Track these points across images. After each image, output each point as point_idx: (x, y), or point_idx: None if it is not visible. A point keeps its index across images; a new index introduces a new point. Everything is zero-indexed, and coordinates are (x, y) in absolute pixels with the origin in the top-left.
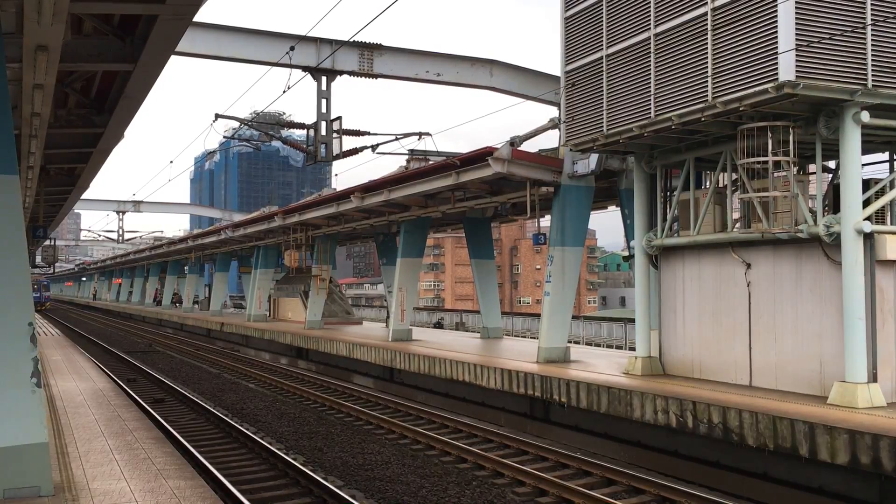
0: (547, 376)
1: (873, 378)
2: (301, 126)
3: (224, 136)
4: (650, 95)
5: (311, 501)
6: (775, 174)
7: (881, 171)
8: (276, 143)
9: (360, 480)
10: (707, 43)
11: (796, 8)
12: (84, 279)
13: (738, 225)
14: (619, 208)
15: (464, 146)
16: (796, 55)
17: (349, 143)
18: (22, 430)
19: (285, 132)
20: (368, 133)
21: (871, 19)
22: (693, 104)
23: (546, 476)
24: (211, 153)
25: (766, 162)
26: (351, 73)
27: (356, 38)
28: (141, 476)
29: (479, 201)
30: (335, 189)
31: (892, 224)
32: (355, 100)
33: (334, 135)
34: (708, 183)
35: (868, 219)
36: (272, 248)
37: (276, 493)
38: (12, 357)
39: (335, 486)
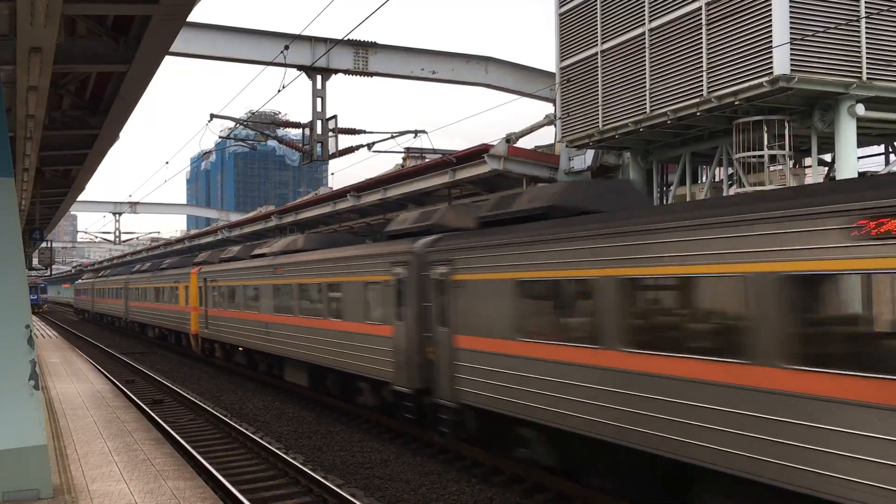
0: None
1: None
2: (296, 125)
3: (220, 136)
4: (645, 91)
5: (312, 500)
6: (771, 168)
7: (877, 164)
8: (271, 143)
9: (360, 479)
10: (702, 38)
11: (790, 1)
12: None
13: None
14: None
15: (460, 143)
16: (791, 49)
17: (345, 141)
18: (20, 433)
19: (281, 131)
20: (364, 131)
21: (866, 12)
22: (688, 99)
23: None
24: (207, 153)
25: (762, 156)
26: (346, 72)
27: (351, 37)
28: (140, 477)
29: (476, 198)
30: (332, 188)
31: None
32: (350, 98)
33: (330, 133)
34: (704, 177)
35: None
36: None
37: (277, 493)
38: (10, 360)
39: (335, 485)
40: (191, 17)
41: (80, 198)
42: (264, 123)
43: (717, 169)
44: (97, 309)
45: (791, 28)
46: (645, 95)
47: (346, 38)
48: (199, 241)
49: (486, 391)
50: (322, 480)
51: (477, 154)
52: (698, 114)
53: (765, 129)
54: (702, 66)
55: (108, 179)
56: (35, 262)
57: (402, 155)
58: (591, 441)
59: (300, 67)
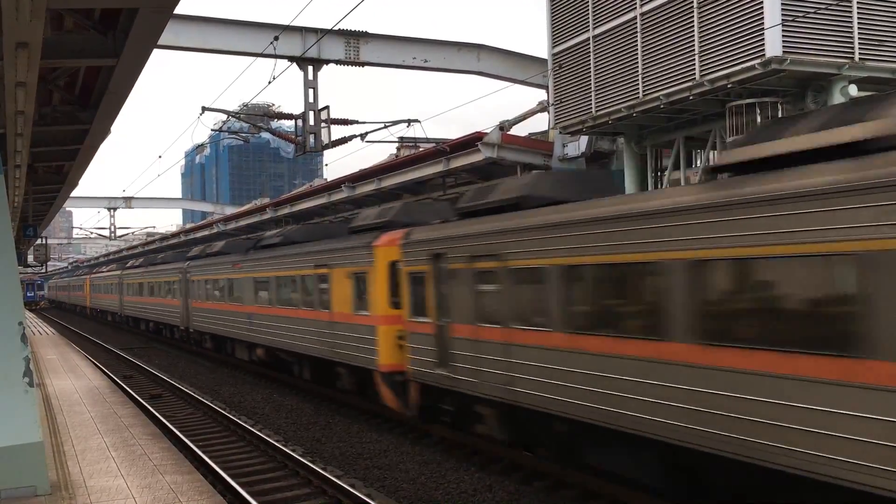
0: None
1: None
2: (289, 116)
3: (212, 130)
4: (638, 75)
5: (311, 492)
6: None
7: None
8: (265, 135)
9: (359, 469)
10: (693, 21)
11: None
12: None
13: None
14: None
15: (454, 131)
16: (782, 30)
17: (338, 132)
18: (15, 430)
19: (274, 123)
20: (357, 122)
21: None
22: (681, 83)
23: None
24: (200, 147)
25: None
26: (337, 62)
27: (341, 26)
28: (138, 472)
29: (471, 187)
30: (326, 179)
31: None
32: (343, 89)
33: (322, 124)
34: (699, 161)
35: None
36: None
37: (276, 485)
38: (3, 357)
39: (334, 476)
40: (179, 10)
41: (74, 193)
42: (256, 115)
43: (712, 152)
44: (59, 299)
45: (782, 9)
46: (638, 80)
47: (336, 28)
48: (194, 235)
49: None
50: (321, 472)
51: (470, 142)
52: (691, 98)
53: (758, 111)
54: (694, 50)
55: (102, 175)
56: (30, 258)
57: (396, 145)
58: None
59: (291, 58)
